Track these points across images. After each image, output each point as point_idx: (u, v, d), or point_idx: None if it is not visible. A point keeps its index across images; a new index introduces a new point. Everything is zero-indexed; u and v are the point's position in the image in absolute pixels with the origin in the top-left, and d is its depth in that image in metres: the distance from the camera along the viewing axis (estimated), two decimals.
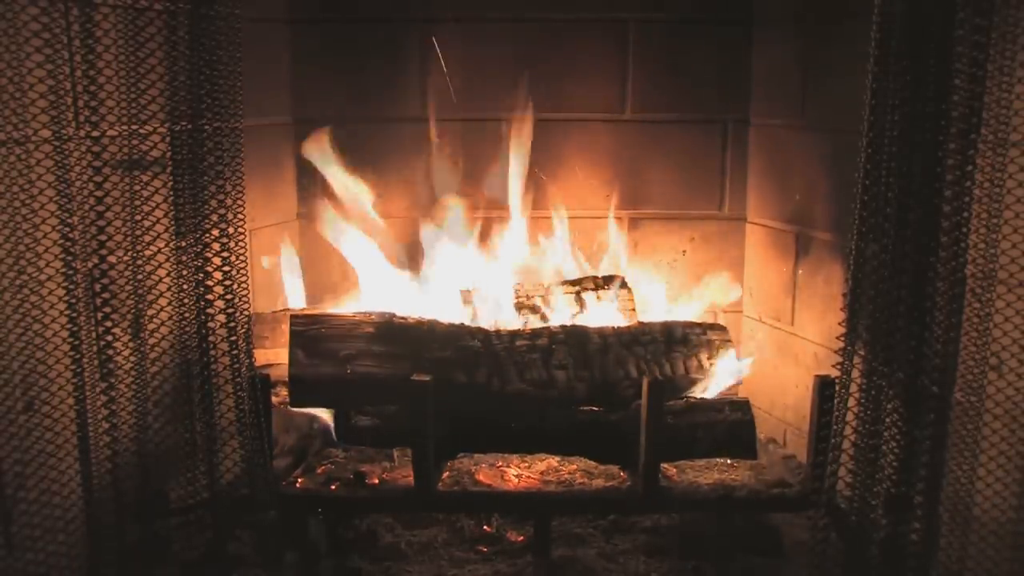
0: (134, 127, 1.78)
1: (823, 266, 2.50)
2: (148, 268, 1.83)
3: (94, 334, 1.74)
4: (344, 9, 2.80)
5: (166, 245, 1.86)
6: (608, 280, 2.65)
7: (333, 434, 2.26)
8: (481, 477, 2.40)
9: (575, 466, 2.45)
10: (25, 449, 1.63)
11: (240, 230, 1.95)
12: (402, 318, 2.22)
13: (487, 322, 2.47)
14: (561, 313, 2.55)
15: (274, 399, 2.14)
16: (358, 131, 2.77)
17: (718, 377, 2.30)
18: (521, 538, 2.16)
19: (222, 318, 1.93)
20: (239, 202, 1.95)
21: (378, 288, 2.62)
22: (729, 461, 2.50)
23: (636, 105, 2.83)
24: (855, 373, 1.80)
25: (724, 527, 2.12)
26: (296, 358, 2.12)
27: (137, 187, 1.81)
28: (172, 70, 1.82)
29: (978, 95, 1.60)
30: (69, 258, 1.66)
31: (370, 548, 2.12)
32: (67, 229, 1.66)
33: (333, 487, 2.25)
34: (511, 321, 2.52)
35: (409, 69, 2.81)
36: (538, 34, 2.81)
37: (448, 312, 2.49)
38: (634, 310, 2.62)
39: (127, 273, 1.79)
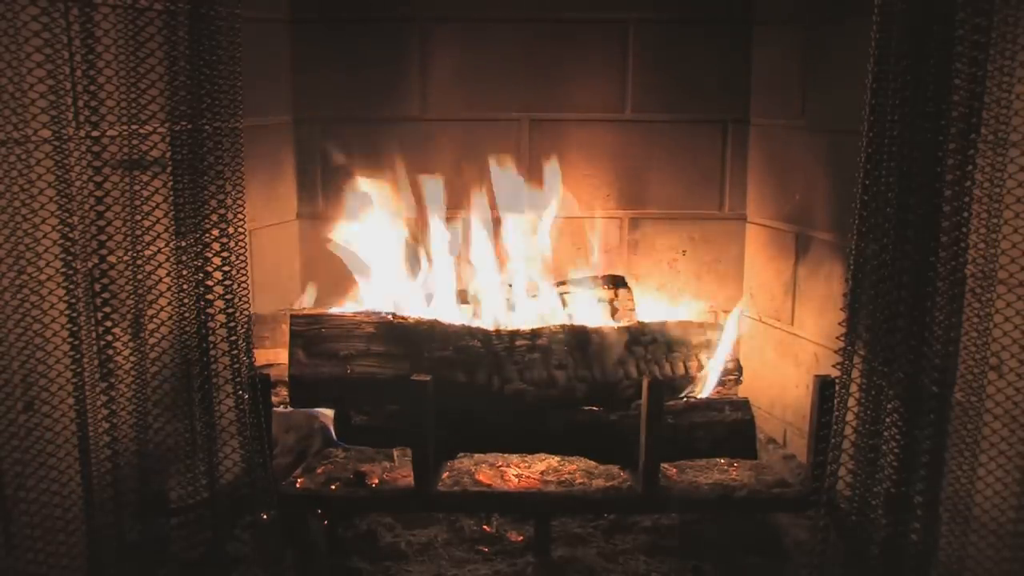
0: (134, 127, 1.78)
1: (823, 266, 2.50)
2: (148, 268, 1.83)
3: (94, 334, 1.73)
4: (344, 9, 2.80)
5: (166, 245, 1.86)
6: (608, 280, 2.65)
7: (333, 434, 2.26)
8: (481, 477, 2.40)
9: (575, 466, 2.45)
10: (25, 449, 1.62)
11: (240, 230, 1.95)
12: (402, 318, 2.23)
13: (487, 322, 2.47)
14: (561, 313, 2.55)
15: (274, 399, 2.14)
16: (358, 131, 2.77)
17: (714, 376, 2.30)
18: (521, 538, 2.17)
19: (222, 318, 1.93)
20: (239, 202, 1.95)
21: (378, 288, 2.63)
22: (729, 461, 2.50)
23: (636, 105, 2.83)
24: (855, 373, 1.80)
25: (724, 527, 2.13)
26: (296, 358, 2.12)
27: (137, 187, 1.81)
28: (172, 70, 1.82)
29: (978, 95, 1.60)
30: (69, 258, 1.66)
31: (370, 548, 2.12)
32: (67, 229, 1.66)
33: (333, 487, 2.25)
34: (511, 321, 2.52)
35: (409, 69, 2.81)
36: (538, 34, 2.81)
37: (448, 312, 2.49)
38: (634, 310, 2.62)
39: (127, 273, 1.79)
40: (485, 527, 2.21)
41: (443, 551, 2.13)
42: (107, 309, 1.75)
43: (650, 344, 2.26)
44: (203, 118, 1.86)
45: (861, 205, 1.75)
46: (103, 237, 1.73)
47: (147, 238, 1.82)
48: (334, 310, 2.43)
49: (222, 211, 1.91)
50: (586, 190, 2.86)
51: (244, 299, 1.95)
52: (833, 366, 1.84)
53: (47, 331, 1.66)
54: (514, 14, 2.79)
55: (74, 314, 1.67)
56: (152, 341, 1.86)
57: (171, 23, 1.80)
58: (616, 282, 2.65)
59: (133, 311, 1.81)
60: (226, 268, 1.92)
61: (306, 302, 2.75)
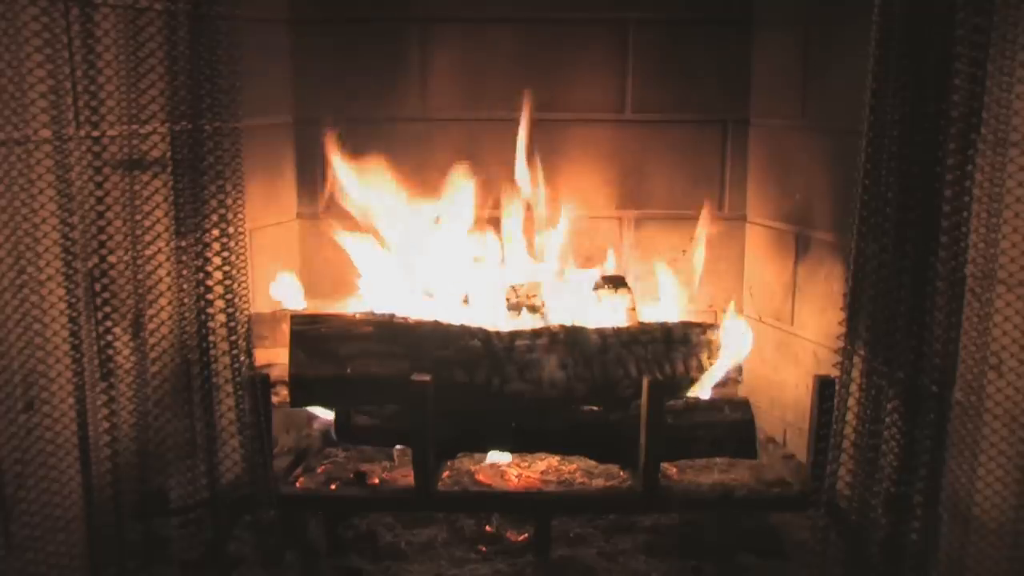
0: (134, 127, 1.78)
1: (823, 266, 2.50)
2: (148, 268, 1.83)
3: (94, 334, 1.74)
4: (344, 9, 2.80)
5: (166, 245, 1.86)
6: (608, 280, 2.65)
7: (333, 434, 2.26)
8: (481, 477, 2.40)
9: (575, 466, 2.45)
10: (25, 449, 1.63)
11: (240, 230, 1.95)
12: (402, 318, 2.23)
13: (487, 322, 2.47)
14: (561, 313, 2.55)
15: (274, 399, 2.14)
16: (358, 131, 2.77)
17: (716, 375, 2.30)
18: (521, 538, 2.16)
19: (222, 318, 1.93)
20: (239, 202, 1.95)
21: (378, 288, 2.62)
22: (729, 461, 2.50)
23: (636, 105, 2.83)
24: (855, 373, 1.80)
25: (724, 527, 2.13)
26: (296, 358, 2.12)
27: (137, 187, 1.81)
28: (172, 70, 1.82)
29: (978, 95, 1.60)
30: (69, 258, 1.66)
31: (370, 548, 2.12)
32: (67, 229, 1.66)
33: (333, 487, 2.25)
34: (511, 321, 2.52)
35: (409, 69, 2.81)
36: (538, 34, 2.81)
37: (448, 312, 2.48)
38: (634, 310, 2.62)
39: (127, 273, 1.79)
40: (485, 527, 2.21)
41: (443, 551, 2.13)
42: (107, 309, 1.75)
43: (650, 344, 2.26)
44: (203, 118, 1.86)
45: (861, 205, 1.75)
46: (103, 237, 1.73)
47: (147, 238, 1.82)
48: (334, 310, 2.43)
49: (222, 211, 1.91)
50: (586, 190, 2.86)
51: (244, 299, 1.95)
52: (833, 366, 1.84)
53: (47, 331, 1.66)
54: (514, 14, 2.79)
55: (74, 314, 1.67)
56: (152, 341, 1.86)
57: (171, 23, 1.81)
58: (616, 282, 2.65)
59: (133, 311, 1.81)
60: (226, 268, 1.92)
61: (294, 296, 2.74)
